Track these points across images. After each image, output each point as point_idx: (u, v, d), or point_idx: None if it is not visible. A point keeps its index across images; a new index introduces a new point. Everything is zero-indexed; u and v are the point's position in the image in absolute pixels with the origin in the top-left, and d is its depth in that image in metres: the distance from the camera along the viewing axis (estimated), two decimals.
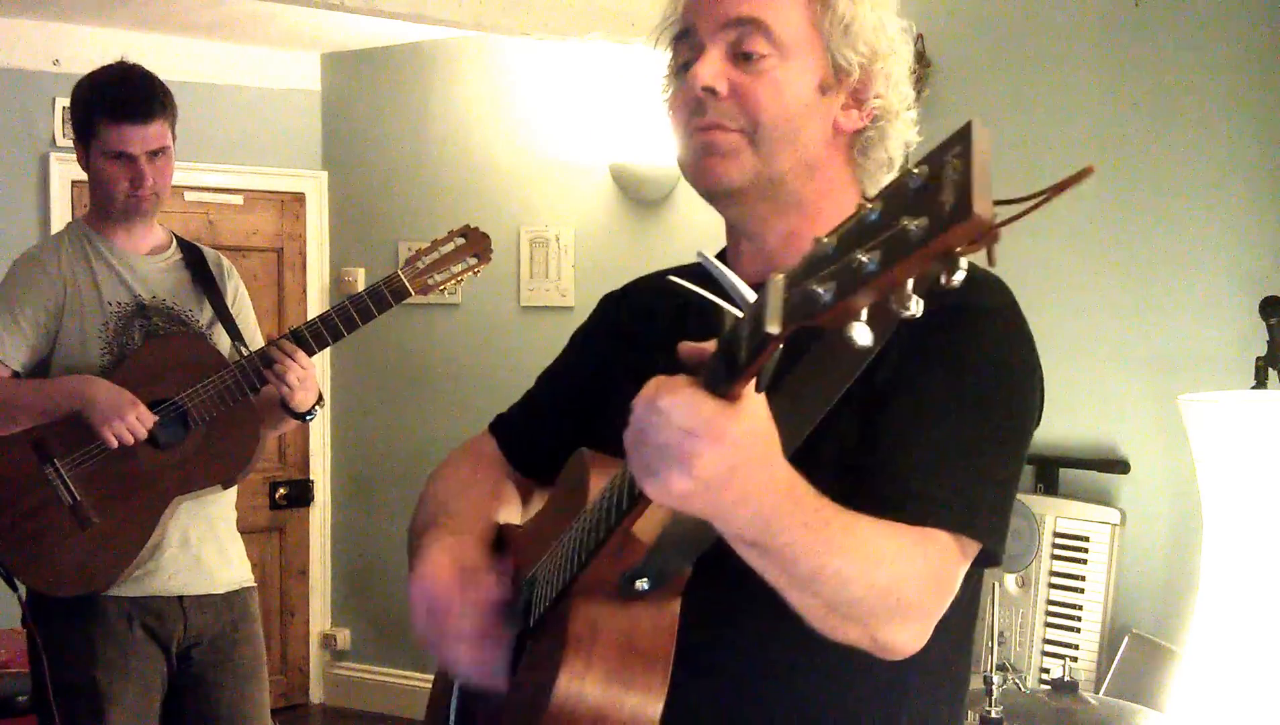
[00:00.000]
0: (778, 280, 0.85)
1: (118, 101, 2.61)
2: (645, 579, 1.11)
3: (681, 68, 1.30)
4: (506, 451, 1.53)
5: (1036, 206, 0.86)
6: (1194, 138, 3.58)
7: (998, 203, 0.78)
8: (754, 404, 0.95)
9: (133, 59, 2.76)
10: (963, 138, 0.78)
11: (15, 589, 2.65)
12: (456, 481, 1.51)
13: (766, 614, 1.11)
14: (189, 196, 4.97)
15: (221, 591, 2.77)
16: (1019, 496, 3.55)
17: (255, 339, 2.82)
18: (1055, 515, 3.61)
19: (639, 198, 4.71)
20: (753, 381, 0.92)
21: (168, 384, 2.61)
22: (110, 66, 2.71)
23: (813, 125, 1.28)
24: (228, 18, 4.65)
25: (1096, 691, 3.33)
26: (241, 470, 2.72)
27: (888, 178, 1.33)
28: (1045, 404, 1.31)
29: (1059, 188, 0.86)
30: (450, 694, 1.46)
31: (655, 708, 1.09)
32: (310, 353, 2.65)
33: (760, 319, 0.84)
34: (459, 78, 5.13)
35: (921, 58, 3.91)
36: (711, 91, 1.26)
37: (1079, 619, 3.57)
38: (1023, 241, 3.84)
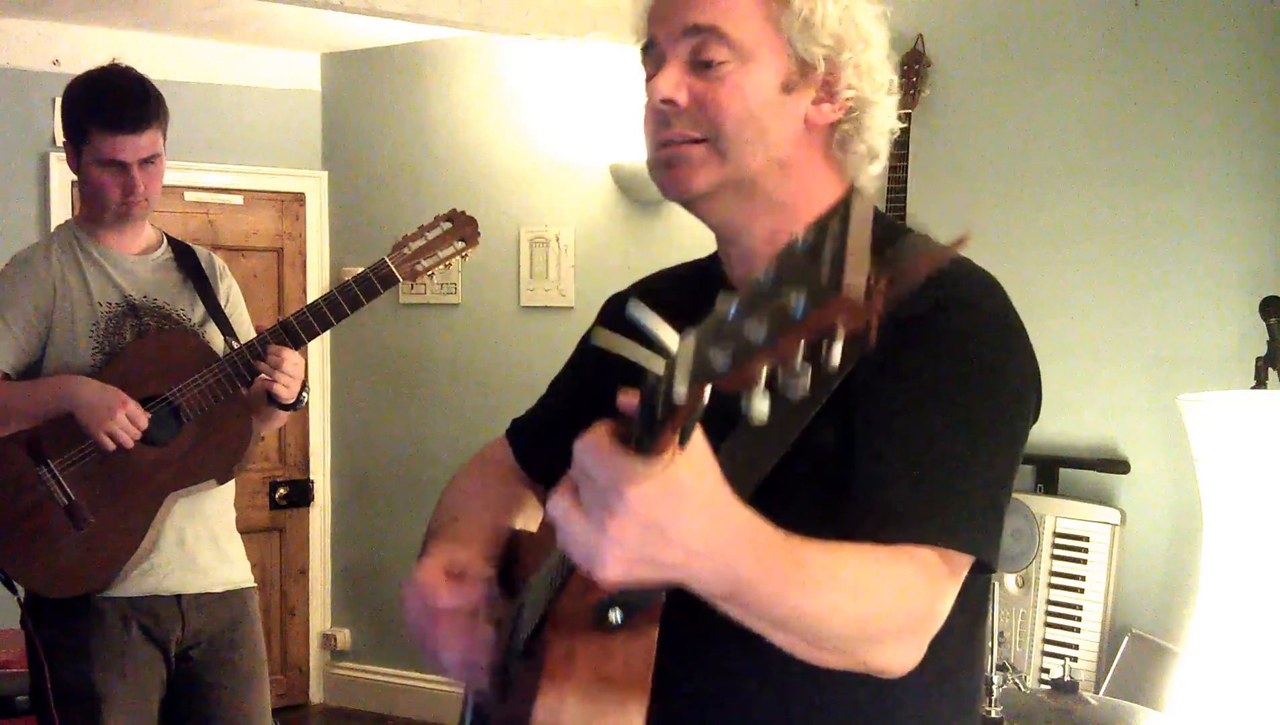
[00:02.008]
0: (688, 342, 0.84)
1: (111, 110, 2.59)
2: (618, 610, 1.09)
3: (648, 80, 1.30)
4: (520, 457, 1.53)
5: (914, 279, 0.87)
6: (1194, 138, 3.58)
7: (879, 271, 0.78)
8: (684, 458, 0.92)
9: (132, 59, 2.75)
10: (844, 207, 0.78)
11: (14, 591, 2.64)
12: (468, 491, 1.51)
13: (747, 638, 1.08)
14: (189, 196, 4.97)
15: (219, 591, 2.75)
16: (1019, 496, 3.58)
17: (249, 337, 2.80)
18: (1055, 515, 3.61)
19: (639, 198, 4.71)
20: (675, 436, 0.90)
21: (158, 380, 2.60)
22: (103, 70, 2.69)
23: (780, 124, 1.26)
24: (228, 18, 4.65)
25: (1096, 691, 3.33)
26: (237, 464, 2.71)
27: (874, 168, 1.32)
28: (1045, 403, 1.29)
29: (939, 257, 0.90)
30: (466, 705, 1.46)
31: None
32: (299, 344, 2.64)
33: (670, 381, 0.84)
34: (459, 78, 5.13)
35: (921, 58, 3.91)
36: (671, 103, 1.25)
37: (1079, 619, 3.57)
38: (1023, 242, 3.85)
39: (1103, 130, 3.72)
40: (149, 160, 2.62)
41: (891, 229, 1.28)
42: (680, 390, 0.83)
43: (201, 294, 2.75)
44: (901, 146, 3.84)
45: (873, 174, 1.33)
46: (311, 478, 5.37)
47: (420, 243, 2.77)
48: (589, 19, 4.22)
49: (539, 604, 1.19)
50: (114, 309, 2.67)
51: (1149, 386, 3.58)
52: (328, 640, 5.42)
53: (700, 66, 1.25)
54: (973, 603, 1.26)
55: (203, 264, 2.80)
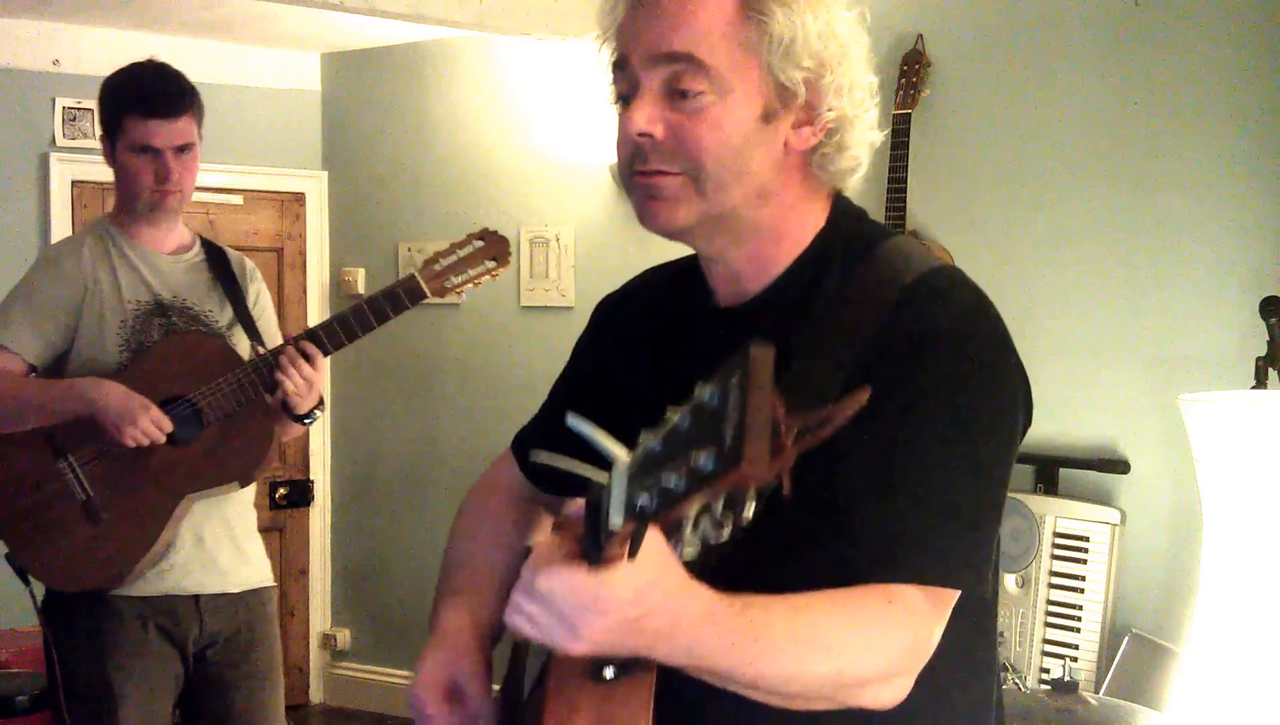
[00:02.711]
0: (621, 468, 0.91)
1: (145, 96, 2.61)
2: (611, 668, 1.12)
3: (620, 99, 1.27)
4: (526, 471, 1.51)
5: (826, 431, 0.90)
6: (1194, 138, 3.58)
7: (793, 424, 0.83)
8: (639, 562, 0.98)
9: (133, 59, 2.76)
10: (744, 368, 0.80)
11: (28, 584, 2.64)
12: (475, 529, 1.50)
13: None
14: None
15: (237, 591, 2.76)
16: (1019, 497, 3.59)
17: (275, 341, 2.81)
18: (1055, 515, 3.61)
19: None
20: (625, 548, 0.96)
21: (183, 381, 2.61)
22: (138, 63, 2.72)
23: (758, 155, 1.22)
24: (228, 18, 4.65)
25: (1096, 691, 3.33)
26: (256, 468, 2.72)
27: (854, 178, 1.30)
28: (1046, 403, 1.28)
29: (839, 414, 0.91)
30: None
31: None
32: (325, 353, 2.64)
33: (607, 511, 0.92)
34: (459, 78, 5.13)
35: (921, 58, 3.91)
36: (649, 136, 1.22)
37: (1079, 619, 3.57)
38: (1023, 241, 3.85)
39: (1103, 130, 3.72)
40: (183, 149, 2.63)
41: (864, 239, 1.27)
42: (616, 520, 0.91)
43: (231, 297, 2.75)
44: (901, 146, 3.84)
45: (852, 183, 1.31)
46: (311, 478, 5.37)
47: (451, 259, 2.77)
48: (589, 19, 4.19)
49: (540, 655, 1.21)
50: (143, 307, 2.67)
51: (1149, 386, 3.57)
52: (328, 640, 5.42)
53: (676, 95, 1.21)
54: (964, 623, 1.23)
55: (234, 267, 2.80)
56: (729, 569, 1.08)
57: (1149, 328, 3.63)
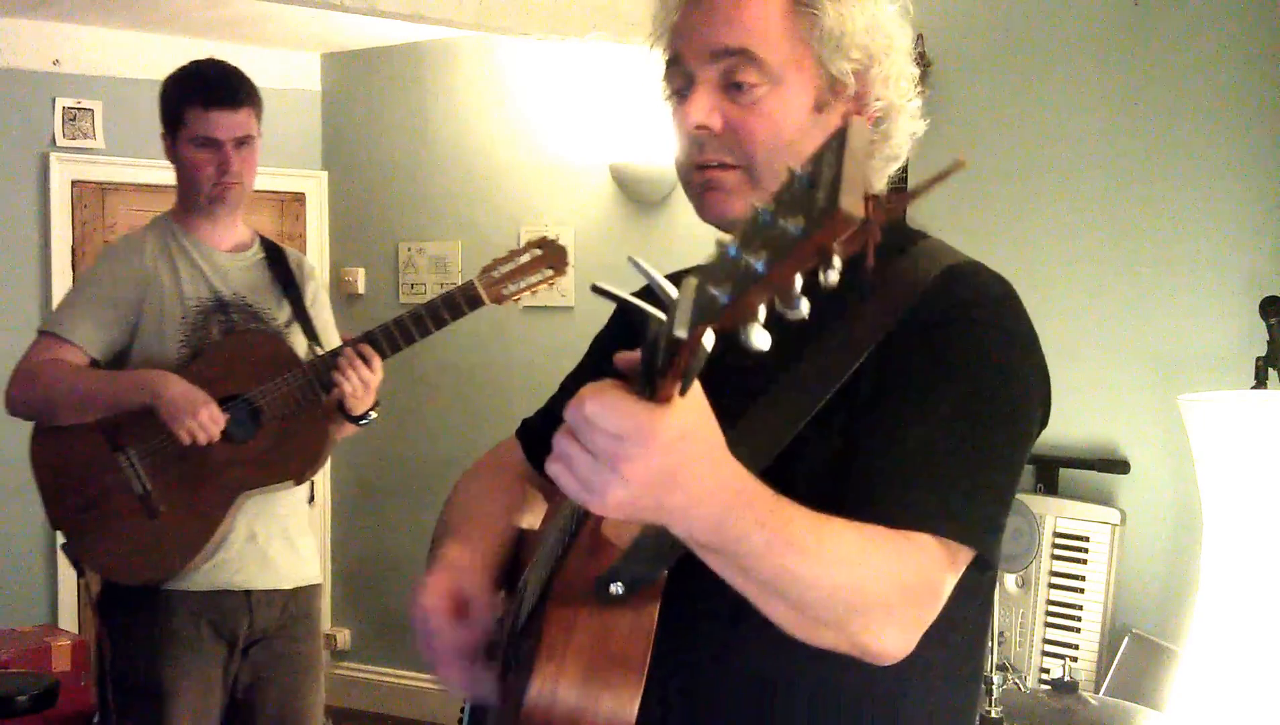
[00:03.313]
0: (690, 283, 0.85)
1: (205, 87, 2.64)
2: (619, 584, 1.10)
3: (675, 94, 1.30)
4: (530, 456, 1.52)
5: (914, 199, 0.87)
6: (1194, 138, 3.58)
7: (879, 195, 0.80)
8: (687, 405, 0.94)
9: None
10: (839, 137, 0.79)
11: (83, 576, 2.67)
12: (477, 491, 1.51)
13: (748, 618, 1.09)
14: None
15: (288, 588, 2.78)
16: (1019, 496, 3.57)
17: (332, 340, 2.83)
18: (1055, 515, 3.61)
19: (639, 198, 4.71)
20: (678, 383, 0.91)
21: (241, 379, 2.62)
22: (198, 60, 2.75)
23: (811, 146, 1.22)
24: (228, 18, 4.65)
25: (1096, 691, 3.33)
26: (310, 468, 2.74)
27: (892, 169, 1.34)
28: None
29: (934, 181, 0.87)
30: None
31: (630, 709, 1.08)
32: (383, 356, 2.66)
33: (672, 325, 0.85)
34: (459, 78, 5.13)
35: (921, 58, 3.91)
36: (706, 129, 1.25)
37: (1079, 619, 3.57)
38: (1023, 241, 3.85)
39: (1103, 130, 3.72)
40: (243, 142, 2.65)
41: (900, 235, 1.29)
42: (680, 332, 0.84)
43: (289, 296, 2.78)
44: None
45: (889, 174, 1.35)
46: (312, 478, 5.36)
47: (508, 267, 2.78)
48: (589, 19, 4.21)
49: (541, 578, 1.19)
50: (203, 304, 2.69)
51: (1149, 386, 3.58)
52: (328, 640, 5.41)
53: (731, 88, 1.25)
54: (979, 602, 1.26)
55: (292, 266, 2.82)
56: None
57: (1149, 328, 3.63)
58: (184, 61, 2.76)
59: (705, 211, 1.29)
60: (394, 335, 2.67)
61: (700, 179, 1.27)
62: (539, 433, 1.54)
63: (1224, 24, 3.55)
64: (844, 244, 0.77)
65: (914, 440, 1.16)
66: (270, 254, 2.82)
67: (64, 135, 4.79)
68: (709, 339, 0.84)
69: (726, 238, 0.82)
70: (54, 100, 4.76)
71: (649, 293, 0.92)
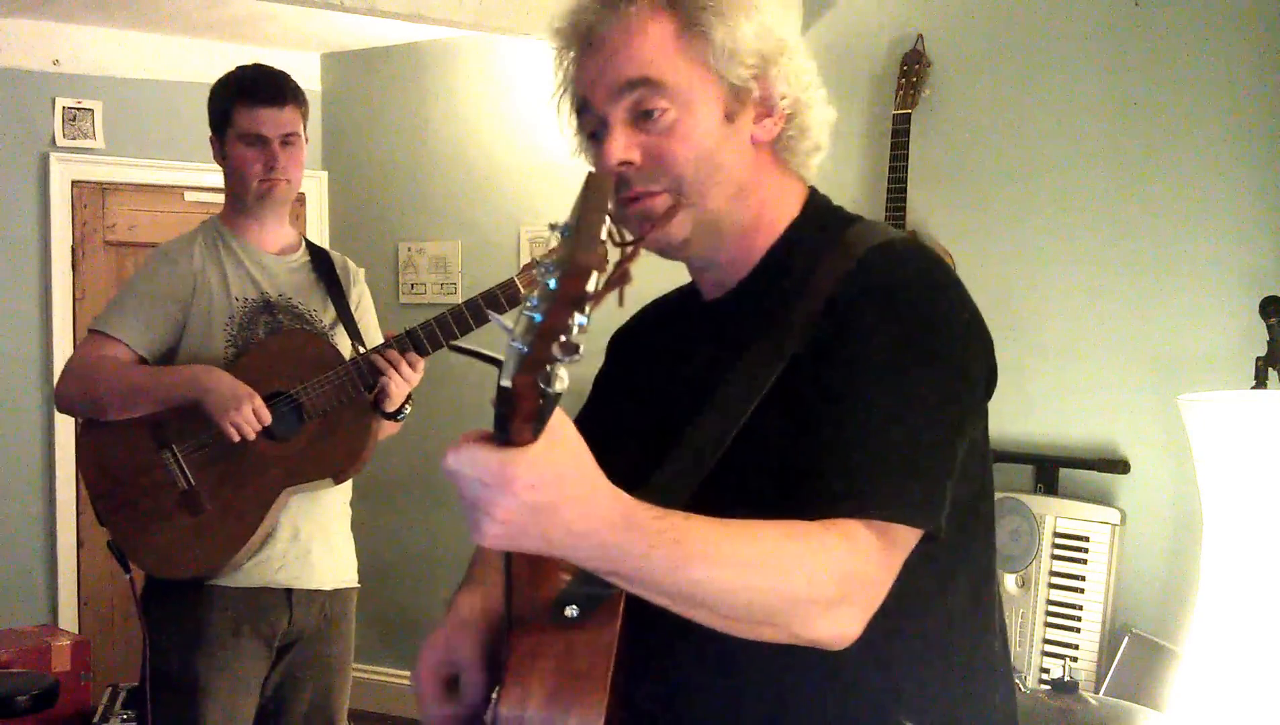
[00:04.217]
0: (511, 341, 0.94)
1: (253, 86, 2.69)
2: (574, 607, 1.12)
3: (590, 137, 1.35)
4: None
5: (633, 258, 1.00)
6: (1194, 137, 3.58)
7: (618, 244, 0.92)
8: (549, 443, 0.98)
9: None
10: (583, 190, 0.90)
11: (127, 570, 2.67)
12: None
13: (711, 632, 1.12)
14: (189, 197, 4.96)
15: (328, 588, 2.81)
16: (1019, 497, 3.59)
17: (375, 342, 2.84)
18: (1055, 515, 3.61)
19: None
20: (529, 426, 0.96)
21: (285, 377, 2.65)
22: (244, 65, 2.80)
23: (730, 154, 1.30)
24: (228, 18, 4.65)
25: (1096, 691, 3.33)
26: (353, 465, 2.76)
27: (818, 158, 1.37)
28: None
29: (638, 242, 1.05)
30: None
31: (597, 722, 1.10)
32: (424, 354, 2.69)
33: (499, 375, 0.94)
34: (459, 78, 5.13)
35: (921, 58, 3.91)
36: (628, 164, 1.28)
37: (1079, 619, 3.57)
38: (1023, 241, 3.85)
39: (1102, 130, 3.72)
40: (289, 139, 2.69)
41: (835, 223, 1.34)
42: (505, 382, 0.92)
43: (334, 298, 2.81)
44: (901, 146, 3.84)
45: (816, 163, 1.38)
46: None
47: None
48: None
49: (506, 613, 1.21)
50: (250, 305, 2.72)
51: (1149, 386, 3.58)
52: None
53: (641, 118, 1.28)
54: (948, 565, 1.26)
55: (337, 269, 2.86)
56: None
57: (1149, 328, 3.63)
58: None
59: (649, 244, 1.31)
60: (435, 333, 2.69)
61: (635, 211, 1.30)
62: None
63: (1224, 24, 3.55)
64: (585, 286, 0.86)
65: (835, 423, 1.18)
66: (316, 256, 2.85)
67: (64, 135, 4.79)
68: (562, 382, 0.92)
69: (533, 291, 0.91)
70: (54, 100, 4.76)
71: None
